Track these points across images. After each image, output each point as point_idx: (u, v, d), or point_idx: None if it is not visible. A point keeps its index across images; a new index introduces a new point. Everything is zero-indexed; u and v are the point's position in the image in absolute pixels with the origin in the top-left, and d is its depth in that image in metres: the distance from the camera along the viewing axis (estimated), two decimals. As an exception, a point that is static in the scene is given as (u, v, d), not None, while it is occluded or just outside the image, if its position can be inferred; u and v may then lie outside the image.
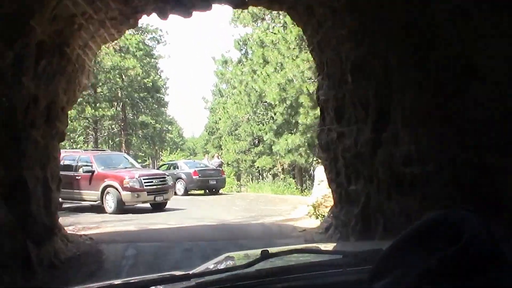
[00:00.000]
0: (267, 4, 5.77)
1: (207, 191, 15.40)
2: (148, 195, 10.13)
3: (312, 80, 13.36)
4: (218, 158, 18.83)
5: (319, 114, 14.12)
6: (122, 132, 28.79)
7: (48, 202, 4.79)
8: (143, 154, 33.04)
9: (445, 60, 3.49)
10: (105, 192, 10.10)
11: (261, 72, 15.16)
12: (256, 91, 17.47)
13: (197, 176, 14.60)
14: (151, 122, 30.53)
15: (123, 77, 27.22)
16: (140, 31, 29.50)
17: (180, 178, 14.82)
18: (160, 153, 33.85)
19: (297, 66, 12.90)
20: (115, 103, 28.08)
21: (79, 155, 11.18)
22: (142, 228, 7.69)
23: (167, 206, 10.92)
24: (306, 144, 16.81)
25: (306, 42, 6.35)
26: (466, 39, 3.25)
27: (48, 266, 4.36)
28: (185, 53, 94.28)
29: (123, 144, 28.74)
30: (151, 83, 29.07)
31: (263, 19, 17.27)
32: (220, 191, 15.84)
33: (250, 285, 0.91)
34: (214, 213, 10.08)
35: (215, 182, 15.13)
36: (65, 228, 7.65)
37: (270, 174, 23.14)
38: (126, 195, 9.93)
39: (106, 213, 9.96)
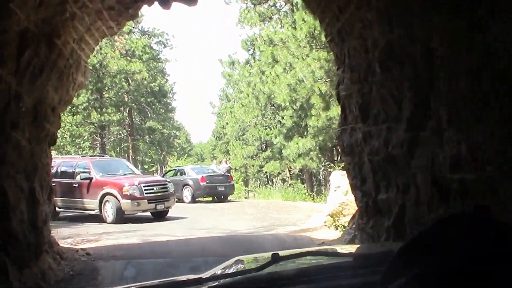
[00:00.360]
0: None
1: (216, 198, 14.82)
2: (148, 203, 9.64)
3: (324, 80, 12.72)
4: (227, 164, 18.29)
5: (331, 115, 13.62)
6: (129, 138, 28.47)
7: (35, 217, 4.18)
8: (149, 160, 32.73)
9: (505, 40, 2.82)
10: (104, 200, 9.61)
11: (270, 73, 14.55)
12: (265, 93, 16.88)
13: (205, 183, 14.02)
14: (158, 128, 30.25)
15: (130, 81, 26.93)
16: (147, 35, 29.32)
17: (187, 184, 14.26)
18: (167, 158, 33.48)
19: (307, 65, 12.26)
20: (122, 108, 27.79)
21: (77, 161, 10.75)
22: (146, 241, 7.09)
23: (173, 215, 10.43)
24: (317, 148, 16.18)
25: (324, 32, 5.71)
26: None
27: (33, 291, 3.76)
28: (192, 57, 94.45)
29: (130, 150, 28.43)
30: (157, 87, 28.76)
31: (270, 18, 16.70)
32: (228, 198, 15.26)
33: None
34: (224, 222, 9.50)
35: (223, 189, 14.55)
36: (63, 240, 7.12)
37: (280, 180, 22.58)
38: (125, 204, 9.43)
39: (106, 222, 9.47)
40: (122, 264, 5.22)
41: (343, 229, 6.84)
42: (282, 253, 1.02)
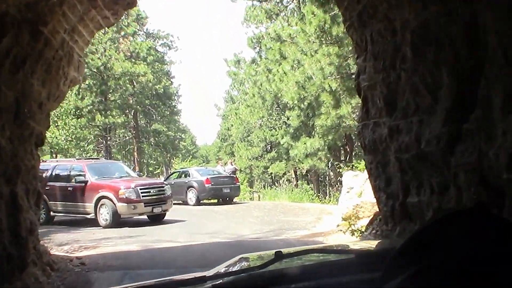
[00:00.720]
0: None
1: (221, 200, 14.33)
2: (145, 206, 9.23)
3: (334, 77, 12.15)
4: (232, 165, 17.82)
5: (341, 113, 13.02)
6: (134, 140, 28.11)
7: (17, 226, 3.68)
8: (154, 162, 32.40)
9: None
10: (99, 204, 9.21)
11: (277, 70, 14.01)
12: (271, 92, 16.35)
13: (210, 184, 13.53)
14: (163, 130, 29.90)
15: (134, 83, 26.58)
16: (151, 37, 29.00)
17: (192, 186, 13.78)
18: (172, 160, 33.13)
19: (317, 61, 11.70)
20: (127, 111, 27.45)
21: (72, 164, 10.41)
22: (146, 248, 6.59)
23: (176, 218, 9.97)
24: (326, 147, 15.62)
25: (342, 17, 5.16)
26: None
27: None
28: (197, 59, 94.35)
29: (135, 152, 28.07)
30: (162, 90, 28.40)
31: (277, 15, 16.18)
32: (234, 200, 14.75)
33: (265, 286, 0.91)
34: (229, 226, 8.99)
35: (229, 191, 14.06)
36: (60, 248, 6.64)
37: (286, 180, 22.10)
38: (121, 207, 9.03)
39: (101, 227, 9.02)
40: (118, 275, 4.71)
41: (360, 234, 6.27)
42: (285, 250, 1.04)
